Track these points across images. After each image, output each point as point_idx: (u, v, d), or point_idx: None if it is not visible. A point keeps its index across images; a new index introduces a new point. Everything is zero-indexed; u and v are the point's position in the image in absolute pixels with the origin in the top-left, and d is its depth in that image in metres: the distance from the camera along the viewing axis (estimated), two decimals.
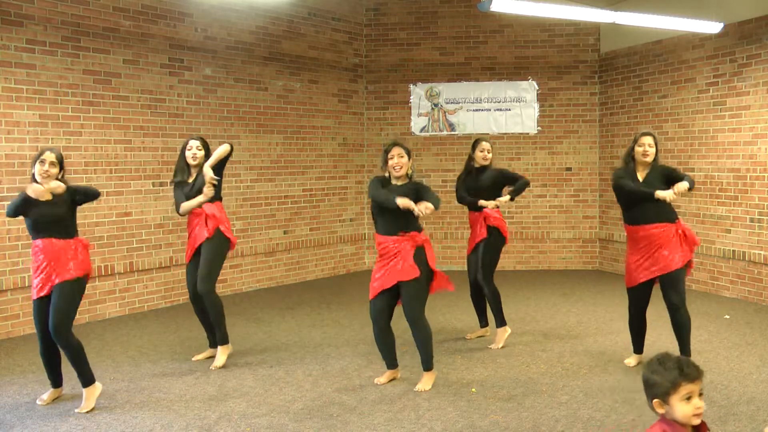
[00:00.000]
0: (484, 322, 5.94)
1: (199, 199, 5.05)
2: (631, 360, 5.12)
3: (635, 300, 5.00)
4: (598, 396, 4.48)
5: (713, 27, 7.06)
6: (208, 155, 5.16)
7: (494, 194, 5.62)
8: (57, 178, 4.24)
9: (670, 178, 4.82)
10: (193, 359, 5.36)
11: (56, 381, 4.48)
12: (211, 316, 5.17)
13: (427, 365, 4.65)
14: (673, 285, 4.76)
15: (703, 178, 7.70)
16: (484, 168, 5.64)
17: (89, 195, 4.42)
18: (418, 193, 4.50)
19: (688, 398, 2.18)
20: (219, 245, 5.13)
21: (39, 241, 4.24)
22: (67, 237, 4.28)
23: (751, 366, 5.07)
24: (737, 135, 7.35)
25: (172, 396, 4.57)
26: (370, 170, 9.49)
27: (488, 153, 5.62)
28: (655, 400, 2.23)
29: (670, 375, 2.19)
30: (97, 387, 4.41)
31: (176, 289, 7.37)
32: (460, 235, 9.41)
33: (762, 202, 7.10)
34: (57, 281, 4.21)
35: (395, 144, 4.67)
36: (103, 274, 6.78)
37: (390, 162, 4.60)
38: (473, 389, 4.64)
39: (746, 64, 7.23)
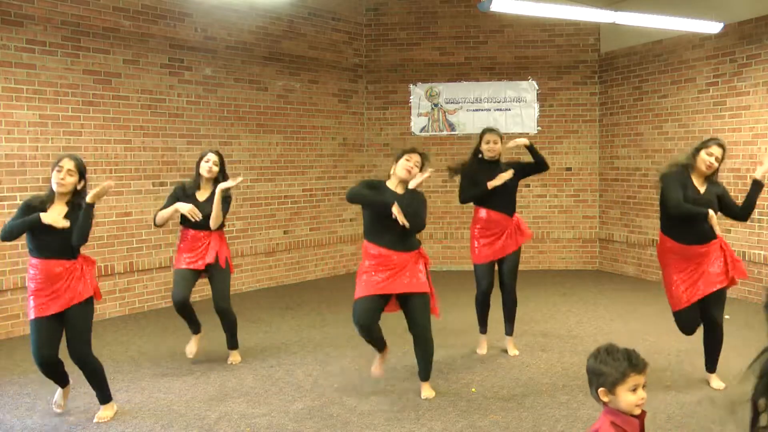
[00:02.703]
0: (486, 328, 5.56)
1: (176, 206, 4.92)
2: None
3: (687, 322, 4.51)
4: None
5: (713, 27, 7.06)
6: (222, 172, 5.08)
7: (512, 191, 5.24)
8: (77, 189, 4.00)
9: (723, 202, 4.40)
10: (188, 355, 5.25)
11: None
12: (230, 327, 5.27)
13: (428, 375, 4.53)
14: (719, 302, 4.48)
15: None
16: (496, 163, 5.23)
17: (80, 234, 3.99)
18: (413, 205, 4.27)
19: (634, 389, 2.25)
20: (228, 270, 5.16)
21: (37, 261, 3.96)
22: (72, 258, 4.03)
23: None
24: (737, 135, 7.35)
25: (172, 396, 4.57)
26: (369, 170, 9.49)
27: (494, 144, 5.19)
28: (601, 389, 2.29)
29: (619, 366, 2.25)
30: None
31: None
32: (460, 235, 9.41)
33: (762, 202, 7.10)
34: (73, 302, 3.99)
35: (415, 150, 4.43)
36: (103, 274, 6.78)
37: (404, 163, 4.34)
38: (473, 389, 4.64)
39: (746, 64, 7.23)
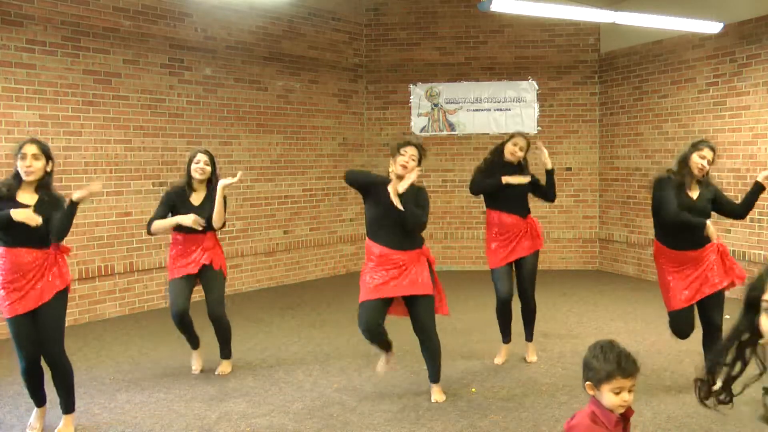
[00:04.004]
0: (509, 338, 5.32)
1: (177, 220, 4.70)
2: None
3: (681, 325, 4.47)
4: None
5: (713, 27, 7.06)
6: (214, 170, 4.88)
7: (523, 195, 5.13)
8: (46, 171, 3.74)
9: (718, 201, 4.41)
10: (194, 371, 5.09)
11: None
12: (224, 335, 5.05)
13: (437, 377, 4.50)
14: (719, 304, 4.43)
15: None
16: (514, 166, 5.07)
17: (60, 230, 3.73)
18: (415, 201, 4.29)
19: (618, 392, 2.29)
20: (222, 275, 4.98)
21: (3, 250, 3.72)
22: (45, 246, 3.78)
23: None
24: (737, 135, 7.35)
25: (172, 396, 4.57)
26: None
27: (520, 151, 5.05)
28: (587, 383, 2.34)
29: (608, 366, 2.29)
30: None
31: None
32: (460, 235, 9.41)
33: (762, 202, 7.08)
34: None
35: (410, 143, 4.35)
36: (103, 274, 6.78)
37: (399, 158, 4.26)
38: (473, 389, 4.64)
39: (746, 64, 7.23)
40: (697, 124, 7.84)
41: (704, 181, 4.44)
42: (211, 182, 4.88)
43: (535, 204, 9.24)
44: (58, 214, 3.71)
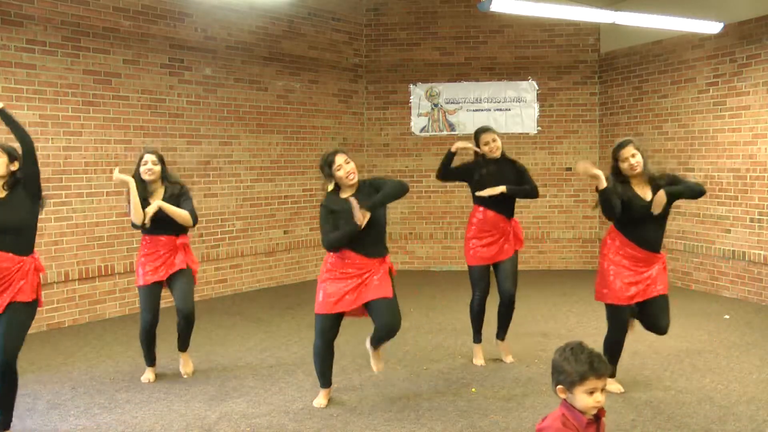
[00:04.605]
0: (480, 337, 5.25)
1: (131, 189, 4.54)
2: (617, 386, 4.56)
3: (625, 319, 4.44)
4: None
5: (713, 27, 7.06)
6: (164, 168, 4.69)
7: (511, 201, 5.08)
8: (9, 170, 3.68)
9: (676, 194, 4.28)
10: (145, 380, 4.91)
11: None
12: (188, 331, 4.94)
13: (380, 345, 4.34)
14: (666, 309, 4.42)
15: (703, 178, 7.69)
16: (499, 160, 5.00)
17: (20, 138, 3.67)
18: (376, 192, 4.15)
19: (591, 392, 2.28)
20: (191, 272, 4.86)
21: None
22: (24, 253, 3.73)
23: (751, 366, 5.07)
24: (737, 135, 7.35)
25: (172, 396, 4.57)
26: (369, 170, 9.49)
27: (494, 143, 4.94)
28: (559, 386, 2.33)
29: (580, 368, 2.28)
30: None
31: None
32: (460, 235, 9.40)
33: (762, 202, 7.10)
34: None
35: (337, 152, 4.19)
36: (103, 274, 6.78)
37: (338, 174, 4.14)
38: (473, 389, 4.64)
39: (746, 64, 7.23)
40: (696, 124, 7.85)
41: (654, 176, 4.35)
42: (165, 180, 4.71)
43: (535, 204, 9.34)
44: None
